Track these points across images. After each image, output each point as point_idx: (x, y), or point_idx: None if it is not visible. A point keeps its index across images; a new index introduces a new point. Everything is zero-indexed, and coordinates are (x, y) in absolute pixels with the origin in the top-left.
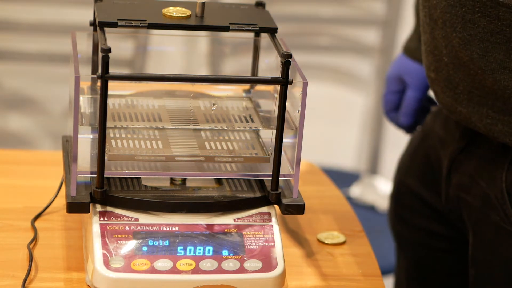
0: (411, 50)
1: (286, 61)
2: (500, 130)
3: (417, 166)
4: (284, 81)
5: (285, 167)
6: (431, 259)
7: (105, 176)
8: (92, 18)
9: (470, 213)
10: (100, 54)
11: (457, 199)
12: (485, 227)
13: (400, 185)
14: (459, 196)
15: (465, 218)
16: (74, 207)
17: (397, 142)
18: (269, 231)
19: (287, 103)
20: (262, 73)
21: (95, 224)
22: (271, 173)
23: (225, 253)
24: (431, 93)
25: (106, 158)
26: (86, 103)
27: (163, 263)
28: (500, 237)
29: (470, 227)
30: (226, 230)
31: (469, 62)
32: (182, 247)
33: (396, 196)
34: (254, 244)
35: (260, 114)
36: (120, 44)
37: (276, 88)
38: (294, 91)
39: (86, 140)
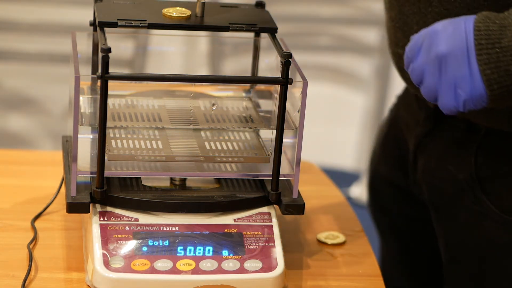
0: None
1: (286, 61)
2: None
3: (388, 154)
4: (284, 81)
5: (285, 167)
6: (414, 244)
7: (105, 176)
8: (92, 18)
9: (439, 197)
10: (100, 54)
11: (425, 183)
12: (457, 210)
13: (375, 174)
14: (426, 180)
15: (432, 201)
16: (74, 207)
17: None
18: (269, 231)
19: (287, 103)
20: (262, 73)
21: (95, 224)
22: (271, 173)
23: (225, 253)
24: None
25: (106, 158)
26: (86, 103)
27: (163, 263)
28: (472, 220)
29: (440, 211)
30: (226, 230)
31: None
32: (182, 247)
33: (372, 186)
34: (254, 244)
35: (260, 114)
36: (120, 44)
37: (276, 88)
38: (294, 91)
39: (86, 140)
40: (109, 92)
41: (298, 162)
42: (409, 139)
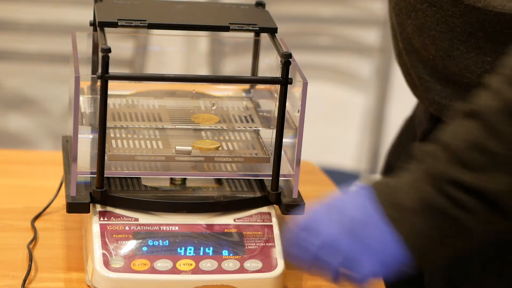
0: None
1: (286, 61)
2: (446, 115)
3: (402, 147)
4: (284, 81)
5: (285, 167)
6: None
7: (105, 176)
8: (92, 18)
9: None
10: (100, 54)
11: None
12: None
13: (388, 166)
14: None
15: None
16: (74, 207)
17: None
18: (269, 231)
19: (287, 103)
20: (262, 73)
21: (95, 224)
22: (271, 173)
23: (225, 253)
24: None
25: (106, 158)
26: (86, 103)
27: (163, 263)
28: None
29: None
30: (226, 230)
31: (421, 48)
32: (182, 247)
33: (384, 175)
34: (254, 244)
35: (260, 114)
36: (120, 44)
37: (276, 88)
38: (294, 91)
39: (86, 140)
40: (109, 92)
41: (298, 162)
42: (419, 135)
